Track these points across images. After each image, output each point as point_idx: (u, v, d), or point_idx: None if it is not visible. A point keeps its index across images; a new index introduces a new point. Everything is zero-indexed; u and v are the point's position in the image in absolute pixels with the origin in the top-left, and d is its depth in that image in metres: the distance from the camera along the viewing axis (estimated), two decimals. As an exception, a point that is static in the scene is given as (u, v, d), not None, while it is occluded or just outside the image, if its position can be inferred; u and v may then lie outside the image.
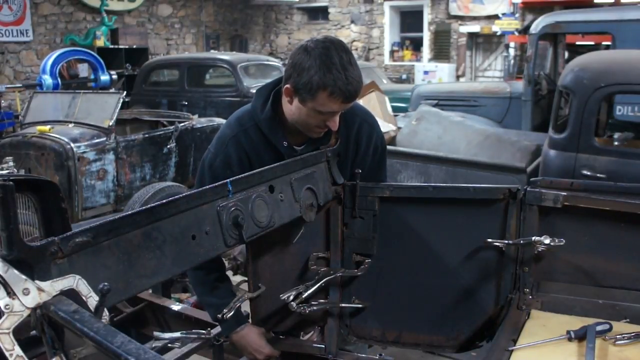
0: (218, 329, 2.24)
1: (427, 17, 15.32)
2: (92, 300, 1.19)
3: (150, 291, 2.81)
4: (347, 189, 2.09)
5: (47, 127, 5.77)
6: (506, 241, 1.98)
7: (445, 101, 7.22)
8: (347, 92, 1.80)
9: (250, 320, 2.11)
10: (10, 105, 10.59)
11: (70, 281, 1.17)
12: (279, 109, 2.00)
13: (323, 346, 2.12)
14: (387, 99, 6.67)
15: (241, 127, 2.02)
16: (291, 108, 1.93)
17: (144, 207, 1.45)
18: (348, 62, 1.81)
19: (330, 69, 1.79)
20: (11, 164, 4.65)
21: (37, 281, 1.12)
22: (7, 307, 1.08)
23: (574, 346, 1.69)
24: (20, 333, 1.10)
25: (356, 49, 16.39)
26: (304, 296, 1.99)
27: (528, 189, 1.97)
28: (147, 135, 6.31)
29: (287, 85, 1.89)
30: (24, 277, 1.10)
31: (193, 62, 9.90)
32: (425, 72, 14.11)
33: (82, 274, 1.19)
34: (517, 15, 13.22)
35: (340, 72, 1.79)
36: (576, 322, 1.79)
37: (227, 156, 2.00)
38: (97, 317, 1.14)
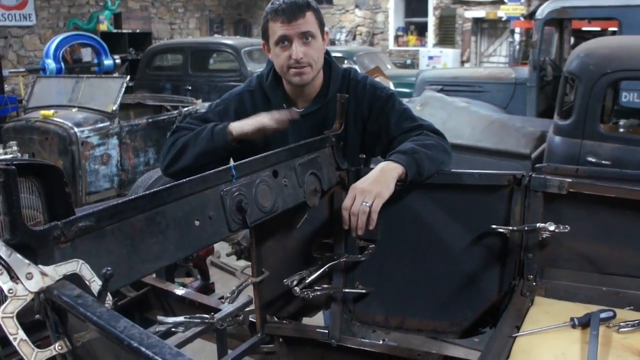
0: (221, 314, 2.23)
1: (431, 1, 15.23)
2: (96, 284, 1.18)
3: (154, 275, 2.81)
4: (351, 174, 2.08)
5: (50, 112, 5.78)
6: (510, 227, 1.96)
7: (450, 87, 7.18)
8: (280, 10, 1.94)
9: (254, 305, 2.11)
10: (14, 89, 10.61)
11: (74, 266, 1.17)
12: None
13: (326, 331, 2.12)
14: (391, 84, 6.64)
15: (248, 88, 2.19)
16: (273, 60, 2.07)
17: (147, 192, 1.44)
18: None
19: (271, 2, 2.00)
20: (15, 148, 4.66)
21: (40, 265, 1.12)
22: (10, 291, 1.08)
23: (577, 333, 1.68)
24: (24, 317, 1.10)
25: (360, 34, 16.31)
26: (307, 281, 1.99)
27: (533, 175, 1.96)
28: (150, 120, 6.31)
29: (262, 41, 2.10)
30: (27, 261, 1.10)
31: (197, 47, 9.87)
32: (430, 58, 14.07)
33: (85, 259, 1.19)
34: (522, 0, 13.12)
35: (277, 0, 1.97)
36: (580, 309, 1.79)
37: (227, 108, 2.15)
38: (100, 301, 1.14)
